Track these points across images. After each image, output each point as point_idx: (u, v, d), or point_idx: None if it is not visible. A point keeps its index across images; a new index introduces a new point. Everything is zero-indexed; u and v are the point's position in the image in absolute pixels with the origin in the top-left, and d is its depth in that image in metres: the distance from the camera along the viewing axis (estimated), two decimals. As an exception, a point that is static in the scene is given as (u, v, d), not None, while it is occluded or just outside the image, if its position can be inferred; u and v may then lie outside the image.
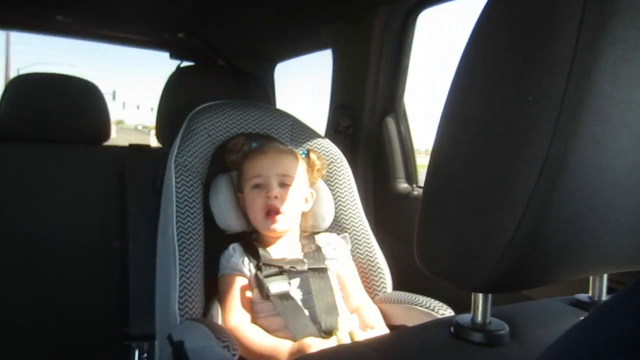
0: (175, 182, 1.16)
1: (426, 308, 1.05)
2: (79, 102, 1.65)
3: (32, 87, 1.64)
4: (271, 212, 1.12)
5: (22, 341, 1.46)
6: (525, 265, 0.39)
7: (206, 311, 1.09)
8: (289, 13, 1.76)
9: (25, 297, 1.46)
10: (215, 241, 1.17)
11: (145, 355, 1.35)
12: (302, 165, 1.20)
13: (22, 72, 2.03)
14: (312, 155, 1.26)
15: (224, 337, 0.88)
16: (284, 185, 1.14)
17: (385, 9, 1.45)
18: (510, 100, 0.37)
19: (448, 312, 1.04)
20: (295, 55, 2.35)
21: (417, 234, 0.46)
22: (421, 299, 1.08)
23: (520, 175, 0.36)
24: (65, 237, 1.52)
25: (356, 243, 1.25)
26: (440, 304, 1.06)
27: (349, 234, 1.25)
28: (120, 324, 1.41)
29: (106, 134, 1.71)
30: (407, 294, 1.13)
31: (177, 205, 1.13)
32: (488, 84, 0.39)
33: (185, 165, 1.19)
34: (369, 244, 1.25)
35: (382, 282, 1.21)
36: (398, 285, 1.23)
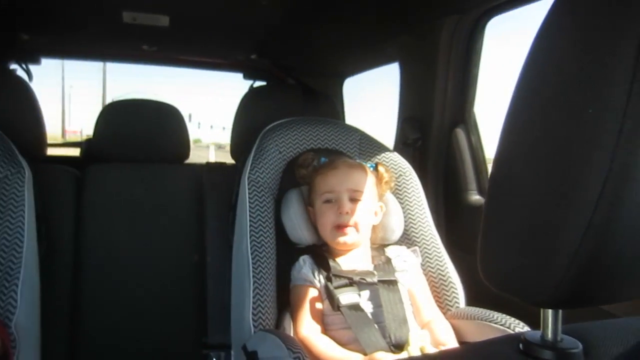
0: (249, 197, 1.21)
1: (501, 325, 1.01)
2: (163, 124, 1.77)
3: (122, 112, 1.78)
4: (341, 226, 1.14)
5: (107, 346, 1.56)
6: (593, 281, 0.37)
7: (278, 322, 1.12)
8: (355, 29, 1.79)
9: (112, 305, 1.58)
10: (287, 254, 1.21)
11: (223, 364, 1.41)
12: (371, 179, 1.21)
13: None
14: (380, 169, 1.26)
15: (295, 348, 0.90)
16: (354, 200, 1.16)
17: (452, 19, 1.44)
18: (570, 112, 0.36)
19: (525, 329, 1.00)
20: (363, 69, 2.38)
21: (480, 247, 0.45)
22: (496, 315, 1.04)
23: (582, 190, 0.35)
24: (151, 250, 1.63)
25: (427, 256, 1.23)
26: (517, 321, 1.01)
27: (419, 247, 1.24)
28: (199, 333, 1.48)
29: (186, 153, 1.82)
30: (481, 309, 1.09)
31: (250, 220, 1.18)
32: (548, 96, 0.39)
33: (258, 181, 1.24)
34: (439, 257, 1.23)
35: (454, 297, 1.18)
36: (471, 300, 1.19)
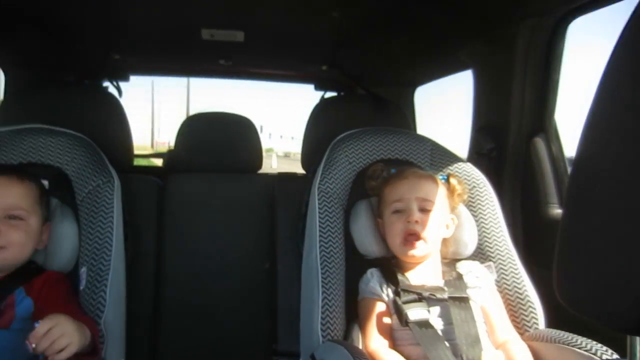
0: (318, 208, 1.22)
1: (585, 350, 0.94)
2: (237, 136, 1.84)
3: (199, 125, 1.88)
4: (410, 238, 1.12)
5: (183, 345, 1.64)
6: None
7: (347, 333, 1.12)
8: (427, 37, 1.76)
9: (188, 307, 1.65)
10: (356, 265, 1.21)
11: (292, 372, 1.43)
12: (442, 190, 1.18)
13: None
14: (452, 180, 1.23)
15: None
16: (425, 210, 1.13)
17: (529, 22, 1.37)
18: None
19: (614, 357, 0.91)
20: (435, 78, 2.33)
21: (556, 264, 0.43)
22: (579, 339, 0.97)
23: None
24: (225, 257, 1.69)
25: (502, 273, 1.18)
26: (604, 347, 0.93)
27: (494, 262, 1.19)
28: (270, 339, 1.51)
29: (259, 163, 1.88)
30: (563, 332, 1.02)
31: (320, 230, 1.19)
32: (631, 104, 0.36)
33: (327, 192, 1.25)
34: (516, 274, 1.16)
35: (532, 318, 1.12)
36: (552, 322, 1.12)
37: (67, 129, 1.34)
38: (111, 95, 1.71)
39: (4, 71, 2.14)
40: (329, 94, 2.38)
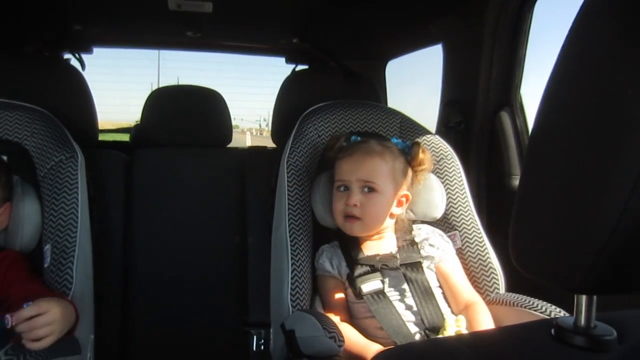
0: (287, 181, 1.23)
1: (541, 312, 0.99)
2: (206, 109, 1.81)
3: (166, 98, 1.84)
4: (349, 218, 1.12)
5: (154, 319, 1.64)
6: (628, 266, 0.36)
7: (312, 302, 1.14)
8: (397, 11, 1.75)
9: (158, 282, 1.64)
10: (323, 236, 1.23)
11: (262, 341, 1.45)
12: (391, 166, 1.14)
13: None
14: (415, 149, 1.19)
15: (331, 328, 0.91)
16: (371, 190, 1.11)
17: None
18: (608, 94, 0.35)
19: (563, 315, 0.97)
20: (406, 52, 2.33)
21: (512, 231, 0.45)
22: (536, 302, 1.02)
23: (618, 173, 0.34)
24: (195, 231, 1.69)
25: (467, 241, 1.21)
26: (557, 308, 0.99)
27: (459, 231, 1.22)
28: (241, 311, 1.53)
29: (229, 137, 1.86)
30: (522, 296, 1.07)
31: (289, 203, 1.20)
32: (586, 77, 0.37)
33: (297, 164, 1.25)
34: (480, 242, 1.20)
35: (494, 283, 1.16)
36: (512, 287, 1.17)
37: (25, 102, 1.29)
38: (72, 68, 1.65)
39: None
40: (300, 67, 2.35)
